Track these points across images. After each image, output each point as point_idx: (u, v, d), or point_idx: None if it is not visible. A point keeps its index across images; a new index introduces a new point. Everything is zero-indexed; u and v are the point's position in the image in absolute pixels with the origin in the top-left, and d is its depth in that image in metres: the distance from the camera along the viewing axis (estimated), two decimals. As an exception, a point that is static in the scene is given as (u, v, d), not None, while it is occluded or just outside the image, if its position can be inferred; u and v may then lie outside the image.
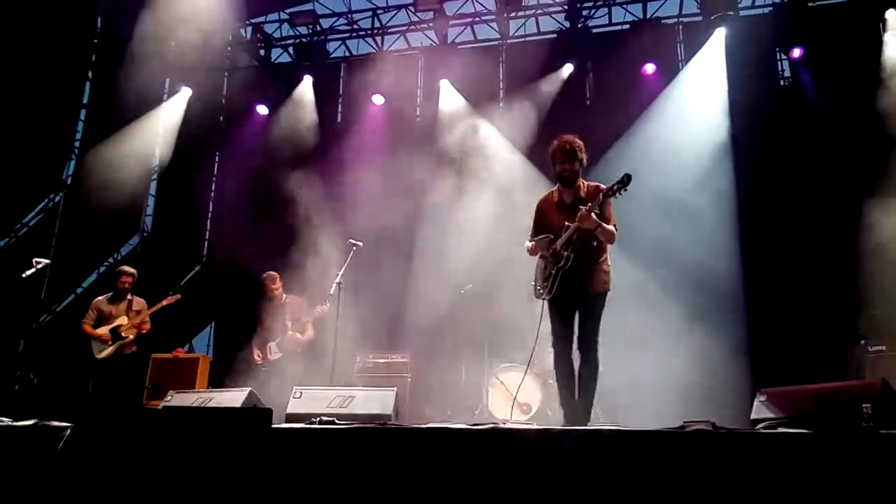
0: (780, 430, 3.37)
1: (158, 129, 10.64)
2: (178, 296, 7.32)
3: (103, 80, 10.99)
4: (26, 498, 3.56)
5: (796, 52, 8.84)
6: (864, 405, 3.29)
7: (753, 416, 3.78)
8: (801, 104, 8.68)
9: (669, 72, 9.30)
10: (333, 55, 11.23)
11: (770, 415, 3.65)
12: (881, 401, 3.30)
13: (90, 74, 11.19)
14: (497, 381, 6.66)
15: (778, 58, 9.27)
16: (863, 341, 6.34)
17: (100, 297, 7.17)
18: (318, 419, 4.15)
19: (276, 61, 11.47)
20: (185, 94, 10.70)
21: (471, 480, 3.22)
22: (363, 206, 9.46)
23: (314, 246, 7.43)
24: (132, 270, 7.27)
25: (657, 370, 6.69)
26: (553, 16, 10.34)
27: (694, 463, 3.01)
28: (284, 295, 7.20)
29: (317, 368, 6.52)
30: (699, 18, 9.62)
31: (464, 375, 6.79)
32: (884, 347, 6.08)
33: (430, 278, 7.06)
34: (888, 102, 7.92)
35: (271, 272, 7.25)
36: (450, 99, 10.10)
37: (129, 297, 7.13)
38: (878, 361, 5.98)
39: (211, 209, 11.16)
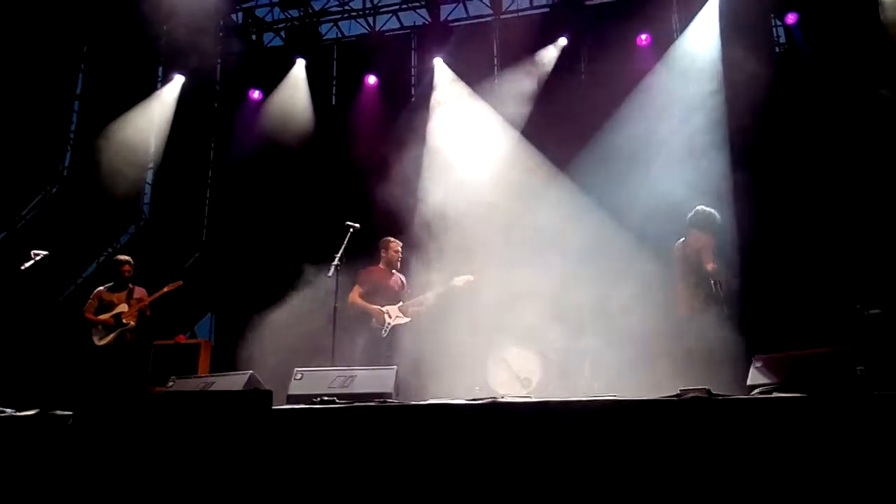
0: (775, 394, 3.39)
1: (153, 118, 10.59)
2: (180, 282, 7.33)
3: (96, 71, 10.95)
4: (33, 486, 3.60)
5: (791, 18, 8.76)
6: (858, 367, 3.30)
7: (749, 381, 3.80)
8: (797, 69, 8.62)
9: (664, 42, 9.23)
10: (326, 37, 11.15)
11: (766, 380, 3.67)
12: (875, 363, 3.31)
13: (83, 65, 11.13)
14: (499, 357, 6.70)
15: (773, 24, 9.19)
16: (859, 305, 6.36)
17: (101, 287, 7.21)
18: (318, 399, 4.18)
19: (269, 45, 11.40)
20: (178, 81, 10.65)
21: (471, 454, 3.25)
22: (360, 187, 9.46)
23: (311, 229, 7.43)
24: (129, 258, 7.29)
25: (656, 341, 6.72)
26: (546, -11, 10.27)
27: (691, 430, 3.04)
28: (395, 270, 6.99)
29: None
30: (692, -14, 9.53)
31: (466, 352, 6.83)
32: (879, 311, 6.11)
33: (429, 260, 7.06)
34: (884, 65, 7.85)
35: (396, 240, 7.01)
36: (444, 77, 10.04)
37: (129, 285, 7.17)
38: (874, 325, 6.01)
39: (208, 195, 11.17)
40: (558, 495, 3.07)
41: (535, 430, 3.25)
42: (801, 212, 7.81)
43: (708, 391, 3.27)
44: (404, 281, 6.94)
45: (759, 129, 8.14)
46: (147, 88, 10.80)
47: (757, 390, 3.66)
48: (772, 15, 9.13)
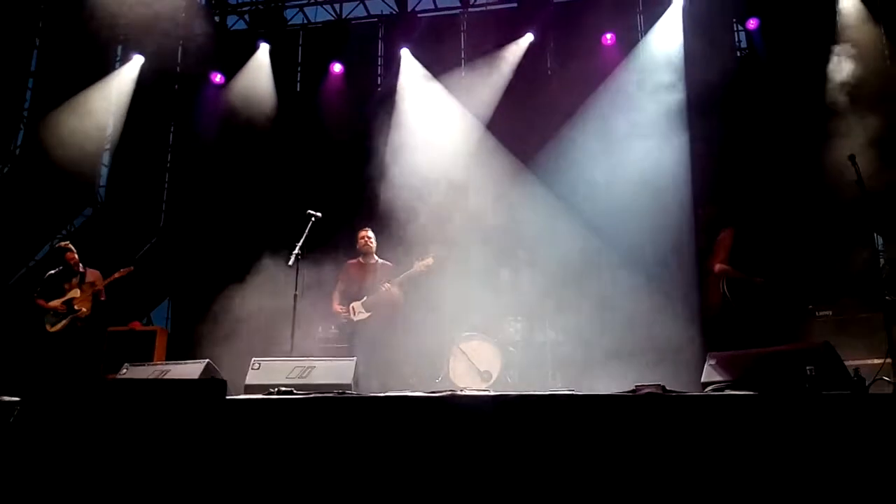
0: (727, 392, 3.48)
1: (111, 98, 10.30)
2: (131, 268, 7.17)
3: (52, 48, 10.61)
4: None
5: (752, 23, 8.94)
6: (808, 367, 3.40)
7: (703, 379, 3.88)
8: (757, 74, 8.80)
9: (629, 42, 9.34)
10: (291, 23, 10.99)
11: (719, 378, 3.76)
12: (824, 363, 3.41)
13: (37, 41, 10.78)
14: (458, 349, 6.72)
15: (735, 28, 9.36)
16: (810, 306, 6.56)
17: (51, 272, 7.00)
18: (275, 389, 4.14)
19: (233, 28, 11.19)
20: (137, 61, 10.37)
21: (429, 447, 3.26)
22: (322, 176, 9.39)
23: (272, 216, 7.34)
24: (69, 244, 7.08)
25: (612, 336, 6.84)
26: (514, -16, 10.29)
27: (645, 425, 3.09)
28: (377, 257, 6.90)
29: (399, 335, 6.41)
30: (658, -13, 9.66)
31: (426, 344, 6.83)
32: (830, 312, 6.31)
33: (391, 248, 7.04)
34: (838, 73, 8.08)
35: (367, 228, 6.91)
36: (410, 68, 10.00)
37: (80, 268, 6.98)
38: (824, 326, 6.20)
39: (167, 179, 10.94)
40: (515, 488, 3.09)
41: (492, 423, 3.27)
42: (758, 212, 7.99)
43: (662, 387, 3.34)
44: (386, 265, 6.85)
45: (720, 130, 8.29)
46: (105, 68, 10.50)
47: (710, 387, 3.74)
48: (734, 20, 9.30)
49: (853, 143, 6.71)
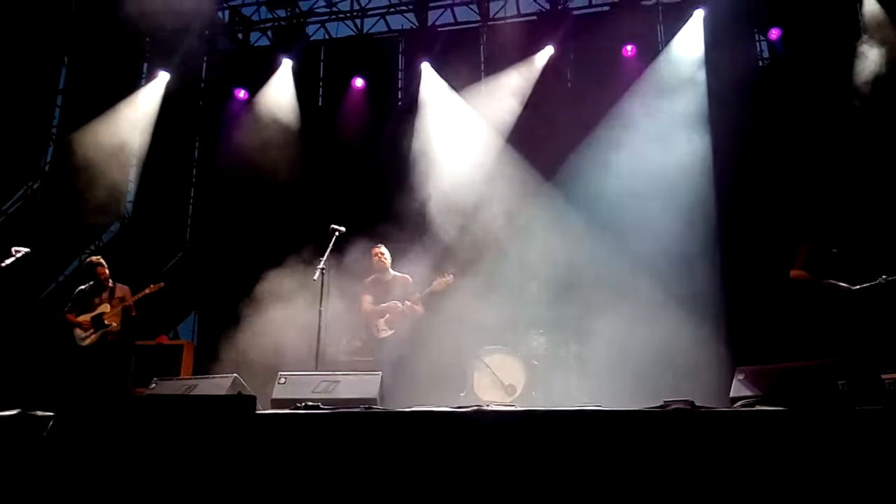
0: (758, 407, 3.44)
1: (137, 115, 10.47)
2: (162, 283, 7.25)
3: (80, 65, 10.83)
4: (11, 487, 3.56)
5: (774, 33, 8.89)
6: (839, 382, 3.36)
7: (732, 394, 3.85)
8: (778, 84, 8.74)
9: (649, 53, 9.32)
10: (313, 38, 11.12)
11: (748, 393, 3.73)
12: (856, 378, 3.37)
13: (66, 59, 11.01)
14: (482, 363, 6.71)
15: (756, 38, 9.32)
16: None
17: (82, 287, 7.11)
18: (302, 404, 4.17)
19: (255, 45, 11.35)
20: (163, 78, 10.55)
21: (455, 463, 3.26)
22: (345, 190, 9.46)
23: (296, 231, 7.40)
24: (101, 259, 7.17)
25: (639, 351, 6.79)
26: (533, -3, 10.34)
27: (674, 441, 3.07)
28: (392, 271, 6.93)
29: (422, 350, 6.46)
30: (679, -1, 9.67)
31: (449, 358, 6.84)
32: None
33: (411, 261, 7.07)
34: (862, 83, 8.01)
35: (379, 244, 6.95)
36: (431, 81, 10.07)
37: (110, 284, 7.08)
38: (858, 340, 6.07)
39: (193, 194, 11.08)
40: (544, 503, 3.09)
41: (519, 439, 3.26)
42: (787, 226, 7.92)
43: (691, 403, 3.32)
44: (405, 279, 6.87)
45: (743, 141, 8.24)
46: (131, 85, 10.69)
47: (739, 402, 3.71)
48: (755, 30, 9.25)
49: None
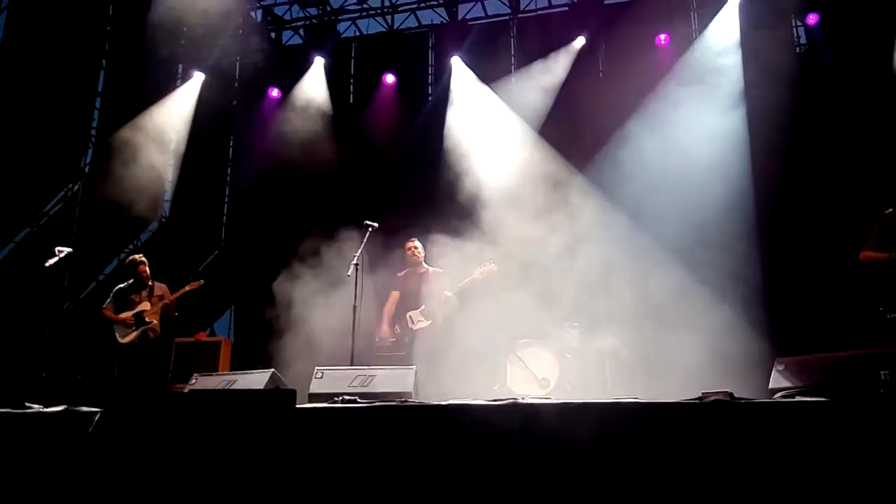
0: (798, 398, 3.39)
1: (173, 115, 10.68)
2: (202, 281, 7.36)
3: (117, 68, 11.06)
4: (60, 482, 3.66)
5: (812, 19, 8.68)
6: (882, 372, 3.30)
7: (771, 385, 3.80)
8: (817, 71, 8.55)
9: (683, 41, 9.19)
10: (344, 35, 11.20)
11: (788, 384, 3.67)
12: (899, 368, 3.30)
13: (104, 62, 11.25)
14: (516, 356, 6.70)
15: (793, 24, 9.12)
16: (882, 308, 6.29)
17: (121, 285, 7.24)
18: (340, 398, 4.22)
19: (288, 43, 11.47)
20: (198, 79, 10.73)
21: (491, 455, 3.27)
22: (377, 185, 9.51)
23: (330, 227, 7.47)
24: (143, 258, 7.30)
25: (675, 342, 6.72)
26: (564, -12, 10.26)
27: (713, 433, 3.04)
28: (426, 264, 6.97)
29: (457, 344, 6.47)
30: (712, -16, 9.49)
31: (483, 351, 6.85)
32: (903, 315, 6.04)
33: (448, 258, 7.08)
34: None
35: (413, 238, 6.97)
36: (462, 76, 10.06)
37: (149, 282, 7.22)
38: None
39: (227, 193, 11.26)
40: (580, 497, 3.08)
41: (556, 431, 3.26)
42: (826, 214, 7.76)
43: (730, 394, 3.28)
44: (439, 272, 6.88)
45: (783, 130, 8.08)
46: (167, 86, 10.89)
47: (779, 394, 3.65)
48: (792, 15, 9.05)
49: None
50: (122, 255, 10.75)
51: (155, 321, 7.05)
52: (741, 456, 2.95)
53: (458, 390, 5.65)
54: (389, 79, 10.41)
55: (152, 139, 10.15)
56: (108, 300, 7.11)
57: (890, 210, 5.33)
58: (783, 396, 3.58)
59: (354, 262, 6.18)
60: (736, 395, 3.28)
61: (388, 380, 4.67)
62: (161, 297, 7.10)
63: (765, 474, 2.89)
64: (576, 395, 6.21)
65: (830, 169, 7.89)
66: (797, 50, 9.07)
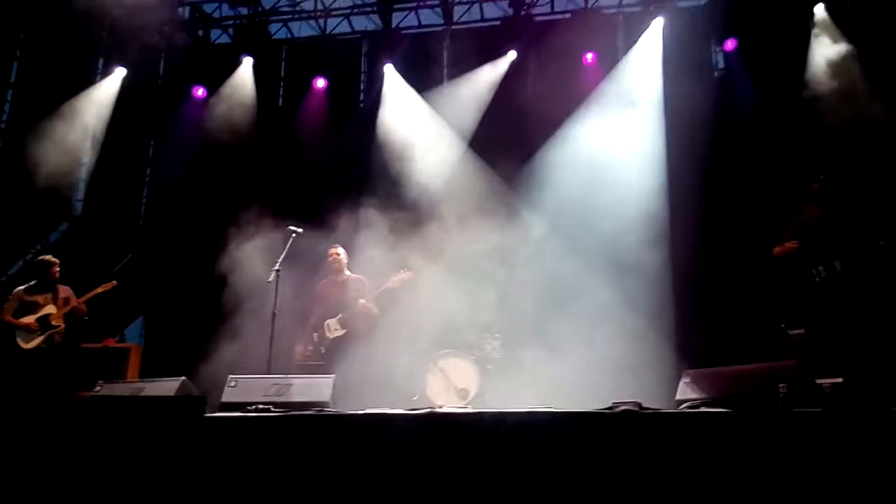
0: (702, 409, 3.51)
1: (91, 111, 10.24)
2: (115, 282, 7.08)
3: (33, 59, 10.54)
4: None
5: (730, 44, 9.10)
6: (780, 385, 3.45)
7: (678, 396, 3.92)
8: (734, 95, 8.95)
9: (609, 61, 9.45)
10: (275, 37, 11.02)
11: (693, 395, 3.80)
12: (796, 381, 3.46)
13: (18, 53, 10.71)
14: (436, 367, 6.71)
15: (713, 49, 9.53)
16: (783, 325, 6.67)
17: (20, 287, 6.82)
18: (253, 407, 4.11)
19: (216, 42, 11.19)
20: (119, 74, 10.34)
21: (408, 465, 3.26)
22: (303, 192, 9.37)
23: (252, 233, 7.31)
24: (57, 260, 6.97)
25: (591, 354, 6.88)
26: (497, 2, 10.40)
27: (622, 441, 3.12)
28: (348, 271, 6.86)
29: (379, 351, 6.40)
30: (639, 8, 9.82)
31: (403, 361, 6.82)
32: (802, 331, 6.40)
33: (368, 266, 7.04)
34: (814, 95, 8.26)
35: (336, 245, 6.86)
36: (394, 84, 10.06)
37: (55, 285, 6.87)
38: (797, 345, 6.29)
39: (145, 194, 10.85)
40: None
41: (471, 441, 3.28)
42: (737, 234, 8.11)
43: (639, 404, 3.37)
44: (360, 280, 6.82)
45: (696, 149, 8.43)
46: (86, 80, 10.45)
47: (685, 404, 3.78)
48: (711, 40, 9.46)
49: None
50: (30, 256, 10.20)
51: (62, 325, 6.72)
52: (648, 463, 3.03)
53: (378, 400, 5.61)
54: (320, 83, 10.30)
55: (66, 136, 9.71)
56: (7, 303, 6.71)
57: (806, 210, 5.57)
58: (689, 407, 3.71)
59: (276, 268, 6.07)
60: (644, 406, 3.37)
61: (305, 389, 4.58)
62: (67, 300, 6.78)
63: (669, 481, 2.98)
64: (494, 405, 6.26)
65: (743, 190, 8.26)
66: (715, 74, 9.47)
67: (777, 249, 5.57)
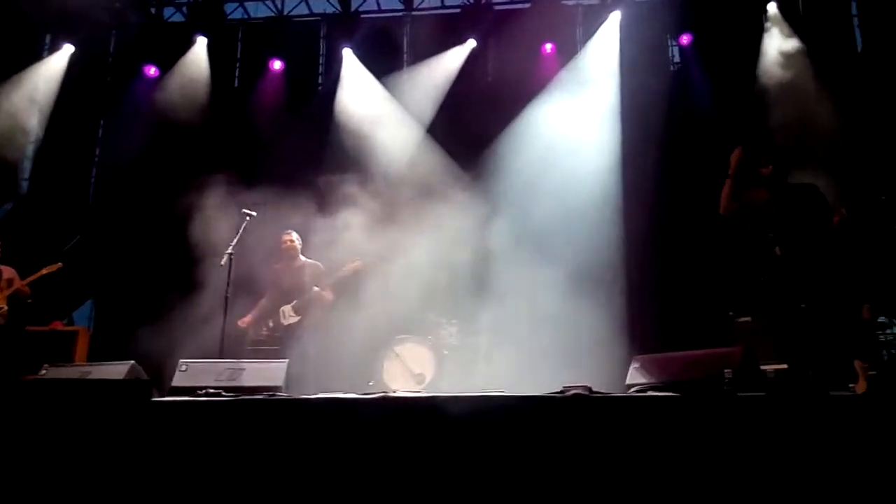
0: (651, 393, 3.60)
1: (38, 88, 9.88)
2: (60, 264, 6.91)
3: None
4: None
5: (685, 39, 9.25)
6: (726, 371, 3.55)
7: (628, 381, 4.01)
8: (689, 89, 9.11)
9: (568, 52, 9.52)
10: (230, 17, 10.78)
11: (643, 380, 3.89)
12: (741, 367, 3.57)
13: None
14: (393, 352, 6.72)
15: (669, 43, 9.67)
16: (731, 313, 6.87)
17: None
18: (203, 391, 4.06)
19: (169, 20, 10.89)
20: (67, 50, 9.99)
21: (360, 448, 3.26)
22: (259, 175, 9.22)
23: (205, 215, 7.18)
24: None
25: (546, 339, 6.99)
26: (458, -10, 10.37)
27: (572, 425, 3.18)
28: (303, 257, 6.77)
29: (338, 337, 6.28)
30: (597, 1, 9.89)
31: (359, 347, 6.81)
32: (749, 319, 6.61)
33: (324, 252, 6.98)
34: (765, 90, 8.47)
35: (290, 230, 6.75)
36: (352, 68, 9.96)
37: (-2, 266, 6.67)
38: (744, 332, 6.49)
39: (94, 174, 10.53)
40: (445, 489, 3.12)
41: (424, 424, 3.29)
42: (687, 223, 8.29)
43: (589, 389, 3.43)
44: (315, 265, 6.76)
45: (651, 140, 8.58)
46: (32, 56, 10.07)
47: (634, 389, 3.86)
48: (668, 35, 9.60)
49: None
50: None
51: (4, 307, 6.52)
52: (598, 445, 3.09)
53: (334, 386, 5.60)
54: (277, 65, 10.13)
55: (11, 113, 9.37)
56: None
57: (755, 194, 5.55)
58: (638, 391, 3.79)
59: (229, 251, 5.99)
60: (594, 390, 3.44)
61: (258, 373, 4.55)
62: (10, 281, 6.58)
63: (618, 463, 3.04)
64: (450, 390, 6.30)
65: (695, 179, 8.42)
66: (671, 68, 9.62)
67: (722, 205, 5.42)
